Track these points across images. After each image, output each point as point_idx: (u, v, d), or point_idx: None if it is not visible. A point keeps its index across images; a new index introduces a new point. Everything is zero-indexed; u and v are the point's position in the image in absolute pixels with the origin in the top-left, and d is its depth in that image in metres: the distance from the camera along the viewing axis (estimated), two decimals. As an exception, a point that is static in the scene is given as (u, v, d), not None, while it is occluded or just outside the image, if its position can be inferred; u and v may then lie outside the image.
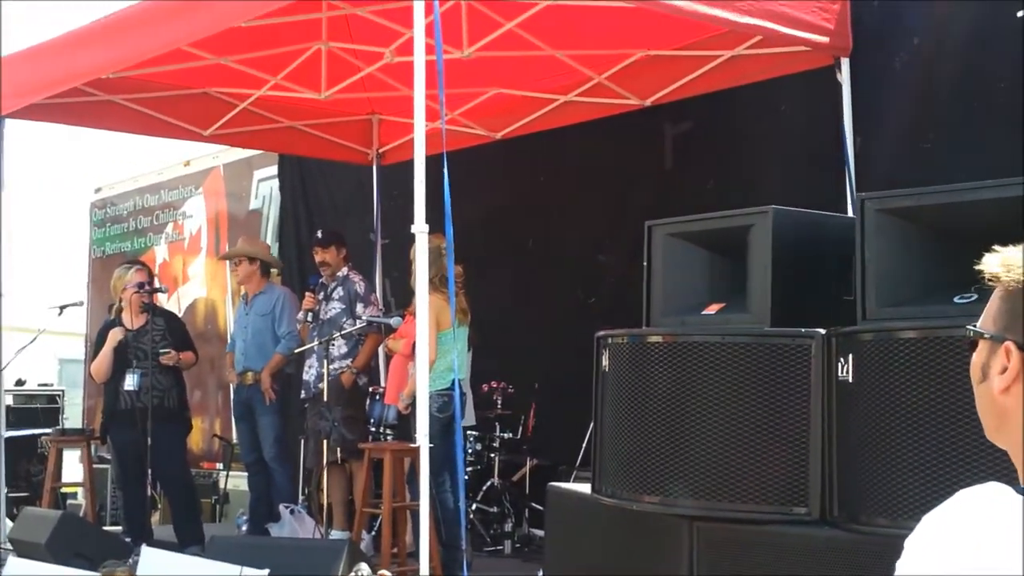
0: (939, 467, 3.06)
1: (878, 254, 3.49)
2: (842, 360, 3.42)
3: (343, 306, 7.11)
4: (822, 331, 3.53)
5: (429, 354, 5.40)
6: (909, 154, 5.94)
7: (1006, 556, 1.21)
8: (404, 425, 6.57)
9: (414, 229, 5.23)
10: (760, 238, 3.82)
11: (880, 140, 6.07)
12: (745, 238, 3.88)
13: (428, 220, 5.19)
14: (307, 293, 7.23)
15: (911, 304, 3.41)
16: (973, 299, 3.26)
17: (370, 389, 7.25)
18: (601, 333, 4.06)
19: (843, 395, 3.41)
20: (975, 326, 1.37)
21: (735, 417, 3.56)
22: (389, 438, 6.82)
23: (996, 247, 1.34)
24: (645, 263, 4.15)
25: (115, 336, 7.23)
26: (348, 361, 7.02)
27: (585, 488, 4.15)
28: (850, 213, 5.53)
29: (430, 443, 5.07)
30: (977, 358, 1.38)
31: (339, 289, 7.18)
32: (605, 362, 4.01)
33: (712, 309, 3.97)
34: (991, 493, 1.30)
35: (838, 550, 3.33)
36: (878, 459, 3.23)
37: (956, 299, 3.31)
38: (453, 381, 5.34)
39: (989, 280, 1.33)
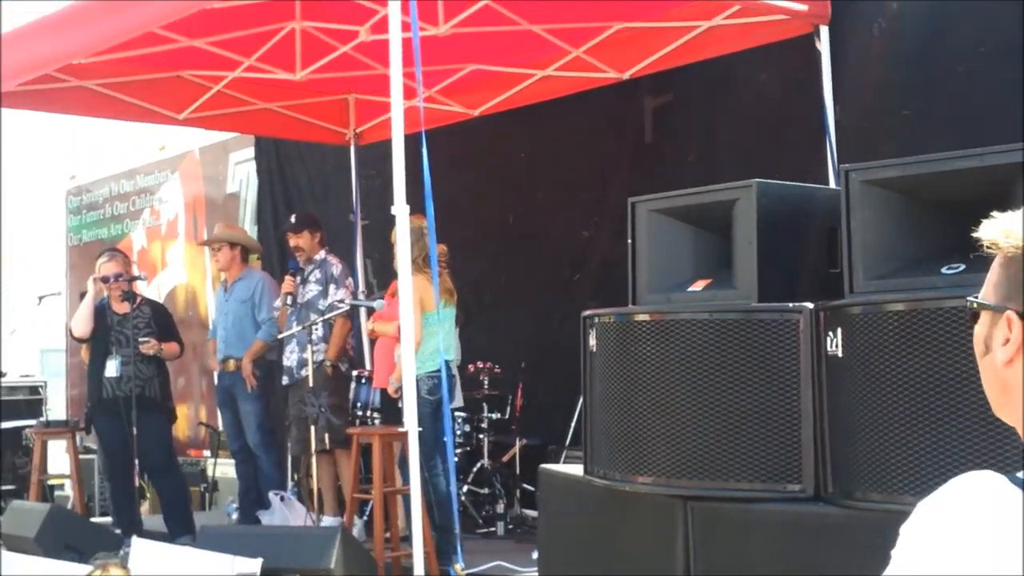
0: (932, 440, 3.04)
1: (864, 226, 3.47)
2: (831, 334, 3.40)
3: (320, 288, 7.05)
4: (810, 305, 3.51)
5: (414, 336, 5.37)
6: (889, 122, 5.92)
7: (1006, 555, 1.19)
8: (392, 409, 6.53)
9: (394, 210, 5.19)
10: (745, 212, 3.80)
11: (860, 109, 6.04)
12: (729, 213, 3.86)
13: (408, 200, 5.15)
14: (287, 277, 7.17)
15: (899, 276, 3.39)
16: (961, 269, 3.25)
17: (354, 373, 7.21)
18: (587, 312, 4.03)
19: (833, 370, 3.39)
20: (976, 297, 1.33)
21: (725, 394, 3.54)
22: (376, 422, 6.79)
23: (994, 213, 1.30)
24: (629, 240, 4.11)
25: (94, 288, 7.17)
26: (324, 344, 6.97)
27: (577, 470, 4.13)
28: (832, 183, 5.52)
29: (420, 426, 5.05)
30: (979, 330, 1.33)
31: (316, 272, 7.12)
32: (592, 342, 3.99)
33: (698, 285, 3.95)
34: (988, 485, 1.27)
35: (833, 526, 3.32)
36: (871, 434, 3.22)
37: (944, 270, 3.30)
38: (441, 363, 5.30)
39: (988, 248, 1.29)
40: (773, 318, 3.54)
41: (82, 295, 7.54)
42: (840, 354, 3.35)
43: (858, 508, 3.25)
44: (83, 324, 7.24)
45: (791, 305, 3.54)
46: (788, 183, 3.98)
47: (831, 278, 3.67)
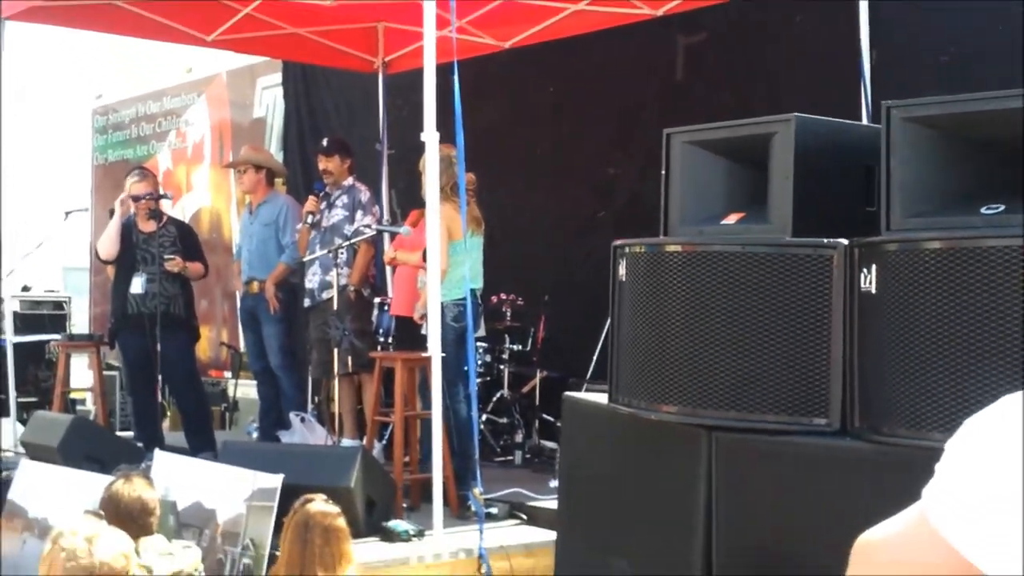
0: (963, 377, 3.05)
1: (903, 163, 3.44)
2: (865, 271, 3.39)
3: (346, 213, 7.06)
4: (845, 241, 3.50)
5: (441, 263, 5.39)
6: (926, 67, 5.86)
7: None
8: (407, 337, 6.57)
9: (424, 136, 5.18)
10: (782, 146, 3.76)
11: (897, 53, 5.98)
12: (766, 146, 3.83)
13: (437, 130, 5.15)
14: (310, 197, 7.19)
15: (936, 215, 3.37)
16: (1000, 210, 3.23)
17: (376, 300, 7.25)
18: (618, 242, 4.02)
19: (865, 306, 3.39)
20: None
21: (754, 327, 3.54)
22: (391, 349, 6.83)
23: None
24: (663, 171, 4.10)
25: (122, 208, 7.19)
26: (348, 269, 6.98)
27: (601, 398, 4.15)
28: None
29: (444, 352, 5.09)
30: None
31: (344, 197, 7.12)
32: (622, 272, 3.99)
33: (731, 219, 3.93)
34: None
35: (858, 460, 3.33)
36: (901, 370, 3.22)
37: (983, 210, 3.27)
38: (466, 291, 5.32)
39: None
40: (807, 253, 3.53)
41: (110, 212, 7.57)
42: (873, 291, 3.35)
43: (884, 443, 3.26)
44: (110, 246, 7.28)
45: (825, 240, 3.52)
46: (827, 119, 3.95)
47: (866, 216, 3.65)
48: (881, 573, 1.32)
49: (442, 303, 5.52)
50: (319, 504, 3.91)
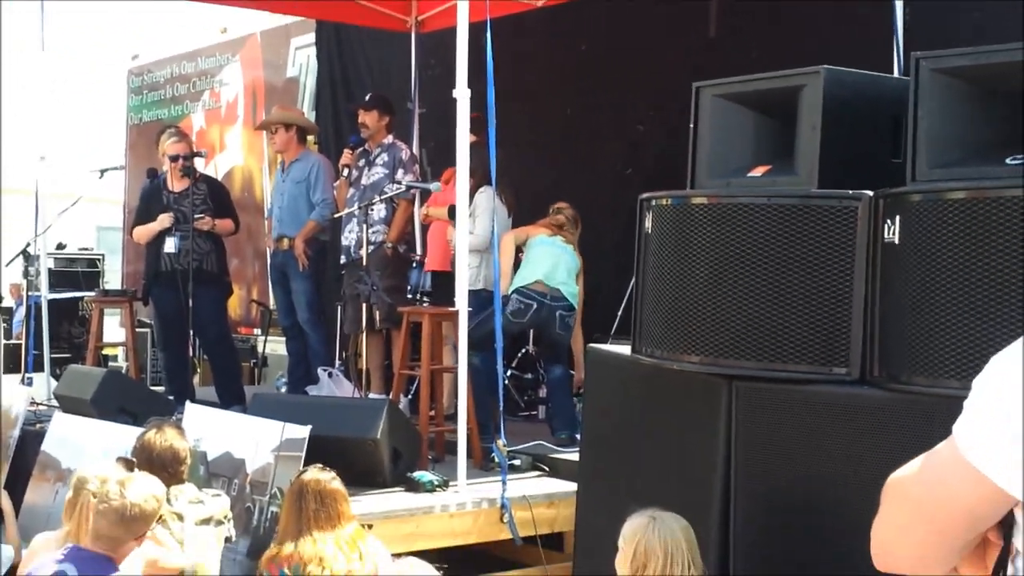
0: (983, 326, 3.05)
1: (930, 114, 3.43)
2: (889, 222, 3.38)
3: (386, 171, 7.07)
4: (870, 193, 3.49)
5: (506, 257, 5.93)
6: (959, 21, 5.80)
7: None
8: (451, 290, 6.62)
9: (455, 93, 5.19)
10: (810, 99, 3.76)
11: (929, 9, 5.92)
12: (795, 99, 3.82)
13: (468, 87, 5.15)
14: (345, 150, 7.23)
15: (962, 165, 3.36)
16: (1025, 160, 3.21)
17: (413, 256, 7.30)
18: (645, 195, 4.02)
19: (889, 257, 3.38)
20: None
21: (778, 278, 3.54)
22: (426, 305, 6.88)
23: None
24: (692, 124, 4.09)
25: (164, 220, 7.26)
26: (386, 227, 7.01)
27: (624, 349, 4.17)
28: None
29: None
30: None
31: (384, 155, 7.14)
32: (648, 224, 4.00)
33: (758, 171, 3.92)
34: None
35: (877, 409, 3.34)
36: (922, 319, 3.22)
37: (1008, 160, 3.26)
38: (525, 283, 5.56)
39: None
40: (831, 204, 3.52)
41: (149, 171, 7.61)
42: (896, 241, 3.34)
43: (903, 391, 3.27)
44: (146, 239, 7.36)
45: (850, 192, 3.52)
46: (856, 71, 3.92)
47: (893, 169, 3.64)
48: (916, 506, 1.36)
49: (506, 295, 5.95)
50: (312, 472, 4.09)
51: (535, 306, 6.08)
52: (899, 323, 3.31)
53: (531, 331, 7.16)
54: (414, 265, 7.16)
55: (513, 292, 6.10)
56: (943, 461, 1.34)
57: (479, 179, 6.13)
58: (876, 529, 1.43)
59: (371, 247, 6.76)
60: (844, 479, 3.33)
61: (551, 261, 6.18)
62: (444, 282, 6.52)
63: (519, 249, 6.37)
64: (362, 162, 7.18)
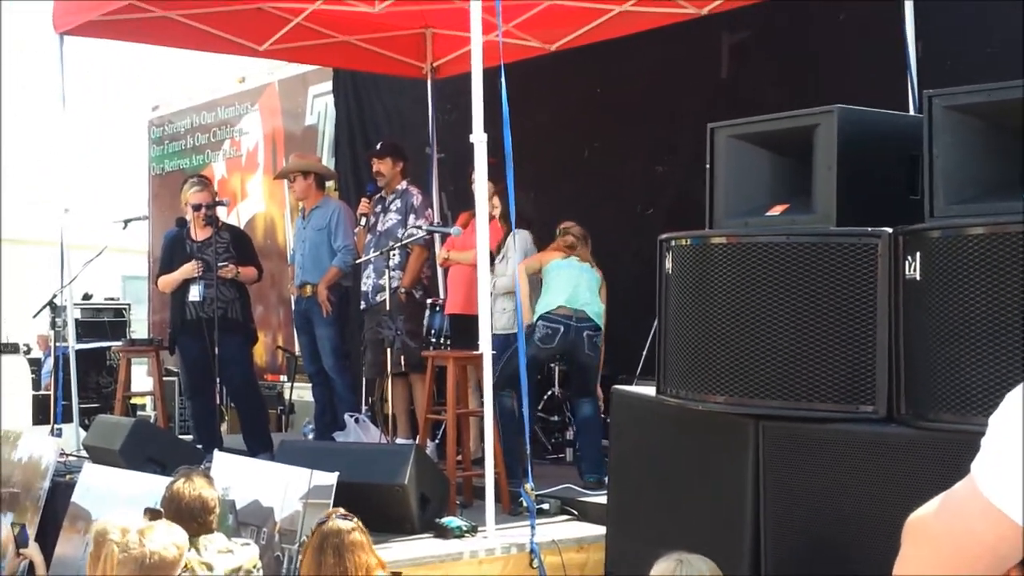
0: (1008, 362, 3.06)
1: (945, 151, 3.46)
2: (909, 258, 3.41)
3: (399, 217, 7.15)
4: (889, 230, 3.52)
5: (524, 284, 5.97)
6: (973, 58, 5.83)
7: None
8: (473, 334, 6.66)
9: (472, 138, 5.25)
10: (825, 137, 3.79)
11: (942, 47, 5.96)
12: (810, 138, 3.86)
13: (484, 132, 5.22)
14: (363, 199, 7.30)
15: (979, 201, 3.38)
16: (1043, 195, 3.24)
17: (428, 301, 7.33)
18: (664, 236, 4.06)
19: (910, 293, 3.40)
20: None
21: (801, 316, 3.57)
22: (448, 349, 6.91)
23: None
24: (708, 165, 4.13)
25: (188, 270, 7.33)
26: (400, 272, 7.07)
27: (649, 390, 4.19)
28: (914, 117, 5.45)
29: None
30: None
31: (397, 201, 7.22)
32: (668, 264, 4.03)
33: (776, 210, 3.96)
34: None
35: (905, 447, 3.35)
36: (946, 356, 3.23)
37: (1025, 195, 3.29)
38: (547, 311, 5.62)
39: None
40: (851, 242, 3.55)
41: (178, 220, 7.66)
42: (918, 278, 3.37)
43: (931, 429, 3.28)
44: (170, 288, 7.44)
45: (869, 229, 3.55)
46: (869, 109, 3.97)
47: (911, 205, 3.67)
48: (936, 546, 1.37)
49: (531, 323, 6.09)
50: (332, 523, 3.89)
51: (562, 330, 6.14)
52: (924, 360, 3.33)
53: (557, 371, 7.19)
54: (437, 309, 7.21)
55: (538, 319, 6.15)
56: (963, 499, 1.34)
57: (508, 223, 6.25)
58: (898, 570, 1.43)
59: (390, 292, 6.82)
60: (873, 517, 3.33)
61: (571, 283, 6.24)
62: (467, 325, 6.55)
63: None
64: (378, 208, 7.26)
